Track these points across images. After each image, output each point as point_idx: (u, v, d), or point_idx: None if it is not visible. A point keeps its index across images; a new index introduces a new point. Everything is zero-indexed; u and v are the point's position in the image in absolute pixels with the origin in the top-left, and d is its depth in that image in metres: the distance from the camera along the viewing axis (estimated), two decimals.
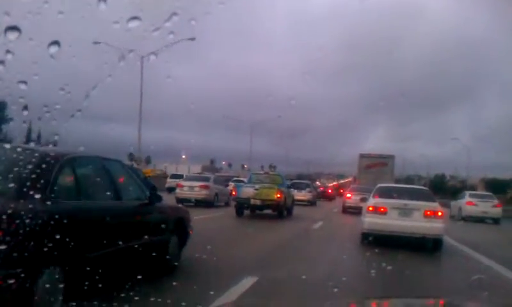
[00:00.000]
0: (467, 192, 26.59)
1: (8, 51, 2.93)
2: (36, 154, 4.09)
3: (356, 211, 19.93)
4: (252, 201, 17.08)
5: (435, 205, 10.71)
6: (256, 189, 17.11)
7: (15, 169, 3.87)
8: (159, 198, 5.96)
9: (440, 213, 10.46)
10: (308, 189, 30.39)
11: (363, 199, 12.84)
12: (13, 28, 2.85)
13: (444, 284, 7.14)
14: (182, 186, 23.03)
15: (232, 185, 26.32)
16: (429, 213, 10.32)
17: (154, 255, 5.44)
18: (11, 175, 3.81)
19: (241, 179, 30.39)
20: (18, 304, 3.43)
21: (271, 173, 21.98)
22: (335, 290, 5.25)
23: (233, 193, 18.63)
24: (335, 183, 76.16)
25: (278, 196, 17.03)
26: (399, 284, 6.54)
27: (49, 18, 3.54)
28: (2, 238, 3.33)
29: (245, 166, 58.44)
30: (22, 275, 3.41)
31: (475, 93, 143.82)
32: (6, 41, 2.84)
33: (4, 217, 3.38)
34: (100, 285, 4.08)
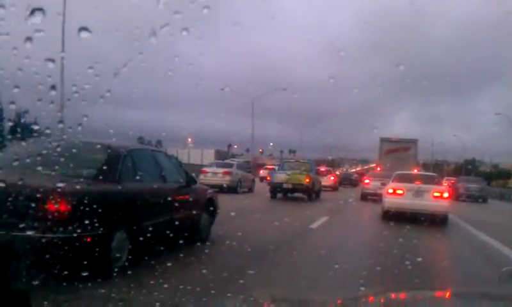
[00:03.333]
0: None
1: (36, 30, 2.97)
2: (107, 147, 5.77)
3: (376, 198, 20.03)
4: (284, 185, 20.31)
5: (442, 188, 13.66)
6: (288, 175, 20.42)
7: (94, 159, 5.50)
8: (195, 181, 7.56)
9: (446, 195, 13.18)
10: (329, 175, 32.31)
11: (384, 184, 15.91)
12: (39, 9, 2.88)
13: None
14: (206, 172, 24.28)
15: (266, 172, 30.14)
16: (437, 194, 13.07)
17: (190, 227, 7.10)
18: (92, 164, 5.46)
19: (273, 167, 34.41)
20: (99, 254, 4.94)
21: (301, 160, 24.73)
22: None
23: (268, 178, 22.27)
24: (358, 168, 76.87)
25: (307, 180, 20.17)
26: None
27: None
28: (90, 209, 4.86)
29: (260, 150, 60.06)
30: (103, 234, 5.00)
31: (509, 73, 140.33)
32: (33, 22, 2.84)
33: (85, 194, 4.93)
34: (151, 248, 5.66)
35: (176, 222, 6.64)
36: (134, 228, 5.56)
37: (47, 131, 4.35)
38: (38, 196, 4.55)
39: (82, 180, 5.12)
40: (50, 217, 4.56)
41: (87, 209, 4.78)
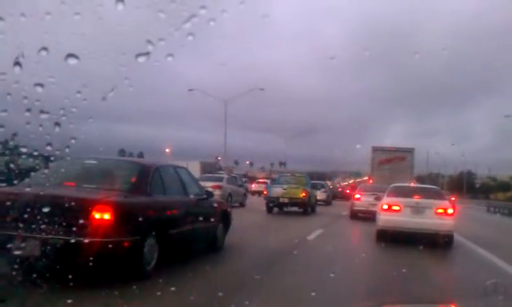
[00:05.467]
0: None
1: (23, 55, 3.16)
2: (139, 164, 7.01)
3: (367, 216, 18.11)
4: (281, 199, 21.41)
5: (446, 203, 12.40)
6: (284, 189, 21.56)
7: (128, 174, 6.62)
8: (212, 195, 8.63)
9: (450, 211, 12.00)
10: (323, 189, 33.14)
11: (378, 198, 14.59)
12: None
13: None
14: None
15: (258, 186, 32.64)
16: (440, 211, 11.92)
17: (207, 236, 8.28)
18: (126, 179, 6.56)
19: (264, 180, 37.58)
20: (134, 257, 5.86)
21: (297, 175, 25.87)
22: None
23: (265, 192, 23.66)
24: (350, 181, 78.06)
25: (303, 194, 21.37)
26: None
27: (66, 20, 3.78)
28: (127, 217, 5.86)
29: (248, 162, 61.59)
30: (137, 240, 5.92)
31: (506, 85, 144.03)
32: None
33: (124, 205, 5.92)
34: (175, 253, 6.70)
35: (197, 231, 7.72)
36: (162, 235, 6.49)
37: (35, 153, 4.79)
38: (85, 206, 5.48)
39: (120, 192, 6.14)
40: (95, 224, 5.46)
41: (125, 217, 5.82)
